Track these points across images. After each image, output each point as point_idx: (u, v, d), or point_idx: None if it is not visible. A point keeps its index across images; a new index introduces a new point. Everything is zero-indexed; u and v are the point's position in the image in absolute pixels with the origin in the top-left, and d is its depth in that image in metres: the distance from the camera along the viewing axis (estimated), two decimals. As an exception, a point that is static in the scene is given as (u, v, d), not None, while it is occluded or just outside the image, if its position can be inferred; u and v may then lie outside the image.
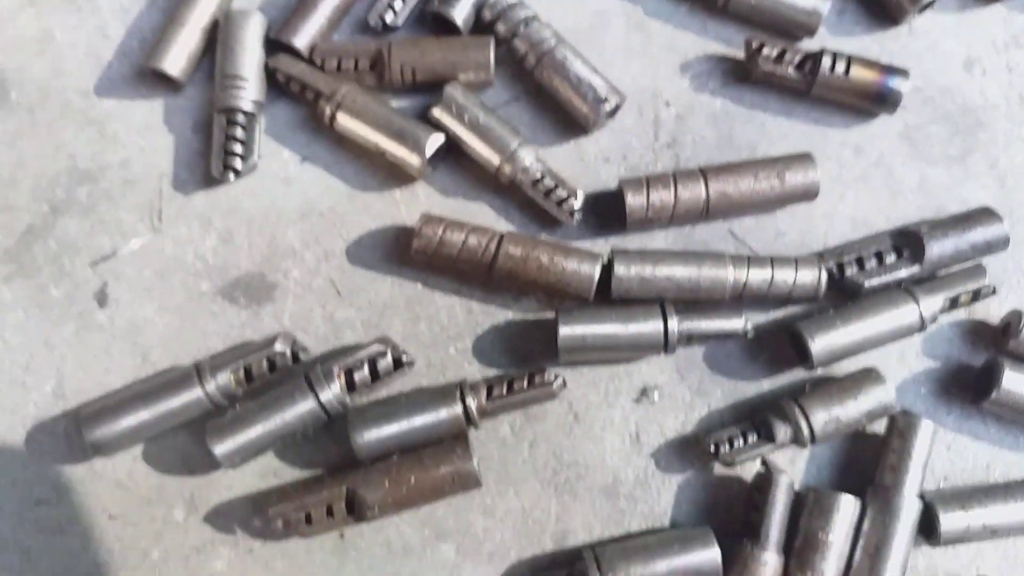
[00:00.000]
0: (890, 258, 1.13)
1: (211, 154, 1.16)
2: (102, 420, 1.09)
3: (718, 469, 1.14)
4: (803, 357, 1.12)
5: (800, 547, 1.06)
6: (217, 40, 1.18)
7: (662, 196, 1.11)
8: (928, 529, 1.09)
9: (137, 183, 1.19)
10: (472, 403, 1.08)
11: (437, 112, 1.14)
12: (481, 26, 1.18)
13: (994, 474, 1.15)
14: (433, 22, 1.19)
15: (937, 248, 1.11)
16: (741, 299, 1.11)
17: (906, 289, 1.11)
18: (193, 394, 1.09)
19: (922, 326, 1.10)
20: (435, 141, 1.13)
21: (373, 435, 1.08)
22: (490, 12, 1.16)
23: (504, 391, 1.10)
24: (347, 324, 1.16)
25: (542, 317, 1.17)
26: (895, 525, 1.05)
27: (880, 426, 1.13)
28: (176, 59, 1.17)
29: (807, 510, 1.07)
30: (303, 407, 1.08)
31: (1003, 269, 1.18)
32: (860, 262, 1.13)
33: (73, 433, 1.14)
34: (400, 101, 1.20)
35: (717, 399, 1.15)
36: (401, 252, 1.18)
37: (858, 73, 1.15)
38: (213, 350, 1.14)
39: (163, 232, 1.18)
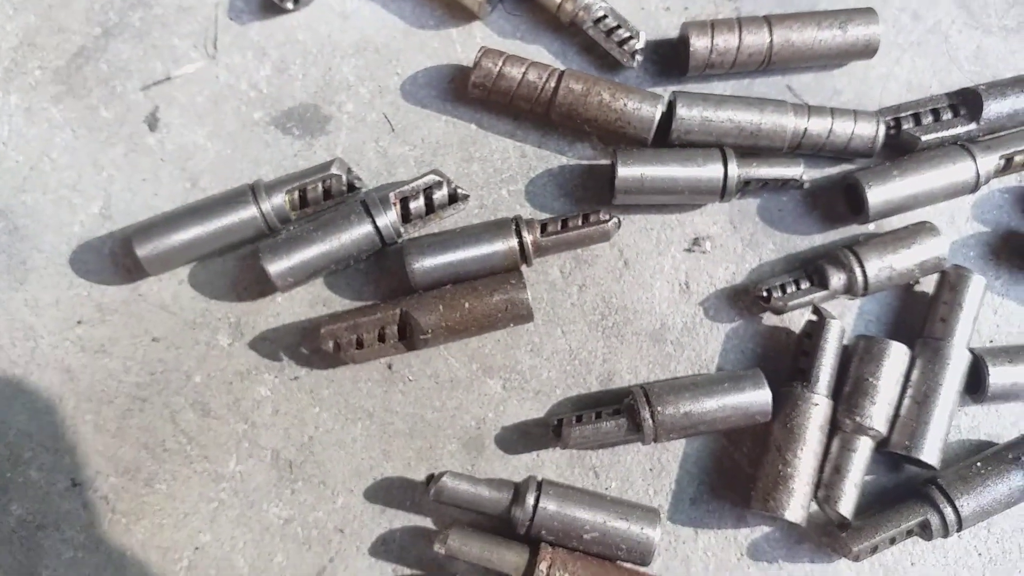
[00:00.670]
0: (947, 115, 1.13)
1: (271, -18, 1.14)
2: (155, 234, 1.08)
3: (767, 319, 1.14)
4: (857, 210, 1.12)
5: (850, 392, 1.06)
6: None
7: (726, 39, 1.11)
8: (975, 387, 1.09)
9: (192, 9, 1.18)
10: (527, 237, 1.08)
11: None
12: None
13: (1040, 339, 1.15)
14: None
15: (995, 107, 1.12)
16: (799, 148, 1.11)
17: (963, 145, 1.10)
18: (247, 212, 1.08)
19: (977, 184, 1.10)
20: (498, -22, 1.12)
21: (429, 262, 1.07)
22: None
23: (559, 228, 1.09)
24: (400, 160, 1.15)
25: (597, 163, 1.16)
26: (944, 374, 1.06)
27: (929, 287, 1.12)
28: None
29: (857, 356, 1.07)
30: (359, 231, 1.07)
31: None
32: (917, 118, 1.13)
33: (119, 254, 1.12)
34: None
35: (769, 251, 1.15)
36: (456, 91, 1.17)
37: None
38: (264, 179, 1.12)
39: (217, 60, 1.17)
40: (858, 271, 1.07)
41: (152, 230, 1.08)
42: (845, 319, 1.14)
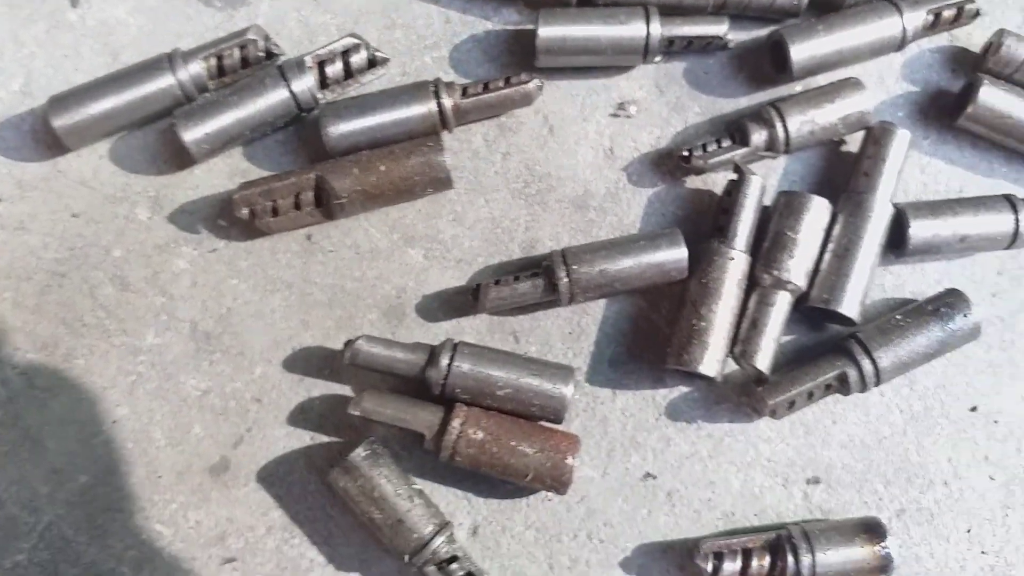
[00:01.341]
0: (874, -30, 1.10)
1: None
2: (71, 105, 1.07)
3: (691, 182, 1.12)
4: (782, 69, 1.10)
5: (769, 247, 1.05)
6: None
7: None
8: (897, 242, 1.07)
9: None
10: (447, 100, 1.06)
11: None
12: None
13: (967, 198, 1.14)
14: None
15: (921, -40, 1.09)
16: (724, 8, 1.10)
17: (890, 0, 1.08)
18: (164, 81, 1.07)
19: (904, 40, 1.09)
20: None
21: (345, 127, 1.06)
22: None
23: (480, 90, 1.07)
24: (322, 29, 1.14)
25: (523, 28, 1.15)
26: (865, 227, 1.04)
27: (856, 146, 1.11)
28: None
29: (777, 212, 1.06)
30: (275, 96, 1.06)
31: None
32: (843, -29, 1.11)
33: (40, 130, 1.11)
34: None
35: (695, 115, 1.14)
36: (376, -42, 1.14)
37: None
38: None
39: (134, -67, 1.14)
40: (779, 126, 1.05)
41: (68, 101, 1.07)
42: (770, 180, 1.12)
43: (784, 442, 1.09)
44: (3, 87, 1.12)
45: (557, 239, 1.10)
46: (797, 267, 1.02)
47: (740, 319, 1.04)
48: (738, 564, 1.01)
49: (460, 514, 1.06)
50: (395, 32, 1.13)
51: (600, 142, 1.12)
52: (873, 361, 1.01)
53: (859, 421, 1.09)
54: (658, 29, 1.06)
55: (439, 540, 0.97)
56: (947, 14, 1.09)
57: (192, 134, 1.04)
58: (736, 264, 1.02)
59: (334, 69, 1.07)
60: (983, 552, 1.08)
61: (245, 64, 1.08)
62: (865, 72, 1.13)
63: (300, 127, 1.10)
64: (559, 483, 0.99)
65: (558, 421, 1.01)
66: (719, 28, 1.07)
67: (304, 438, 1.06)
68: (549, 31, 1.06)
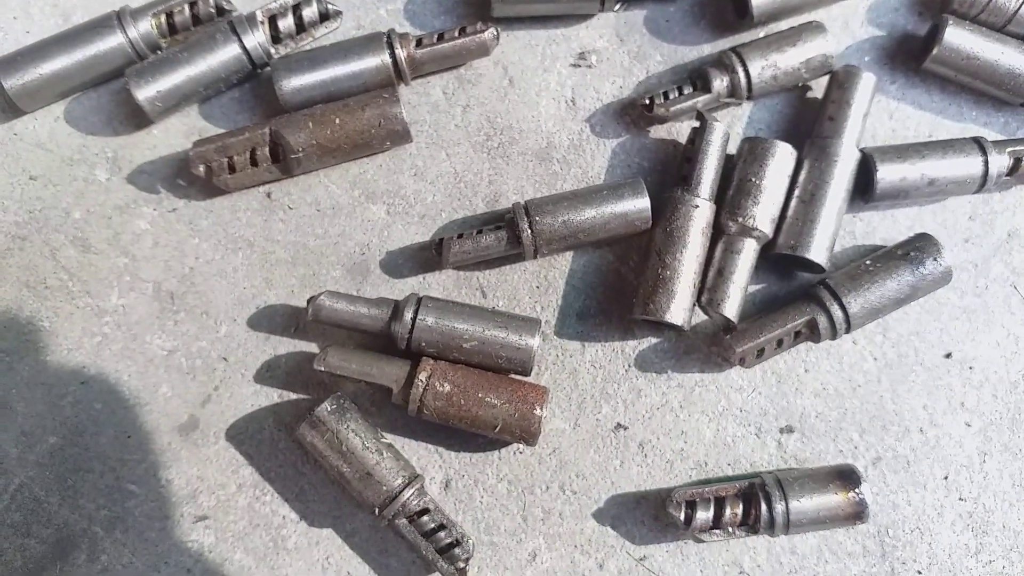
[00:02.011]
0: (836, -90, 1.08)
1: None
2: (21, 66, 1.05)
3: (654, 132, 1.11)
4: (744, 14, 1.08)
5: (733, 194, 1.03)
6: None
7: None
8: (865, 187, 1.06)
9: None
10: (401, 52, 1.05)
11: None
12: None
13: (935, 143, 1.12)
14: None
15: (886, -103, 1.07)
16: (682, -48, 1.07)
17: (852, -60, 1.06)
18: (114, 39, 1.05)
19: (867, -21, 1.06)
20: None
21: (297, 81, 1.04)
22: None
23: (434, 40, 1.06)
24: (275, -17, 1.11)
25: (480, -24, 1.12)
26: (831, 172, 1.03)
27: (821, 91, 1.09)
28: None
29: (741, 159, 1.05)
30: (227, 52, 1.05)
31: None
32: (806, -86, 1.09)
33: (-8, 93, 1.09)
34: None
35: (656, 63, 1.12)
36: (331, -88, 1.12)
37: None
38: (134, 9, 1.09)
39: None
40: (741, 72, 1.04)
41: (18, 61, 1.06)
42: (735, 129, 1.11)
43: (756, 391, 1.08)
44: (-48, 50, 1.10)
45: (521, 192, 1.09)
46: (762, 214, 1.01)
47: (707, 268, 1.02)
48: (711, 512, 1.01)
49: (432, 468, 1.05)
50: (350, -16, 1.11)
51: (562, 93, 1.11)
52: (843, 307, 1.00)
53: (832, 369, 1.08)
54: (613, -26, 1.03)
55: (409, 492, 0.97)
56: (912, -46, 1.06)
57: (145, 92, 1.03)
58: (700, 212, 1.01)
59: (286, 23, 1.06)
60: (961, 499, 1.08)
61: (196, 21, 1.06)
62: (830, 17, 1.11)
63: (256, 84, 1.09)
64: (528, 434, 0.98)
65: (526, 373, 1.00)
66: (678, -27, 1.05)
67: (272, 396, 1.06)
68: (504, -26, 1.04)
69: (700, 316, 1.05)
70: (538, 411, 0.97)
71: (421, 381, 0.98)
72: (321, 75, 1.03)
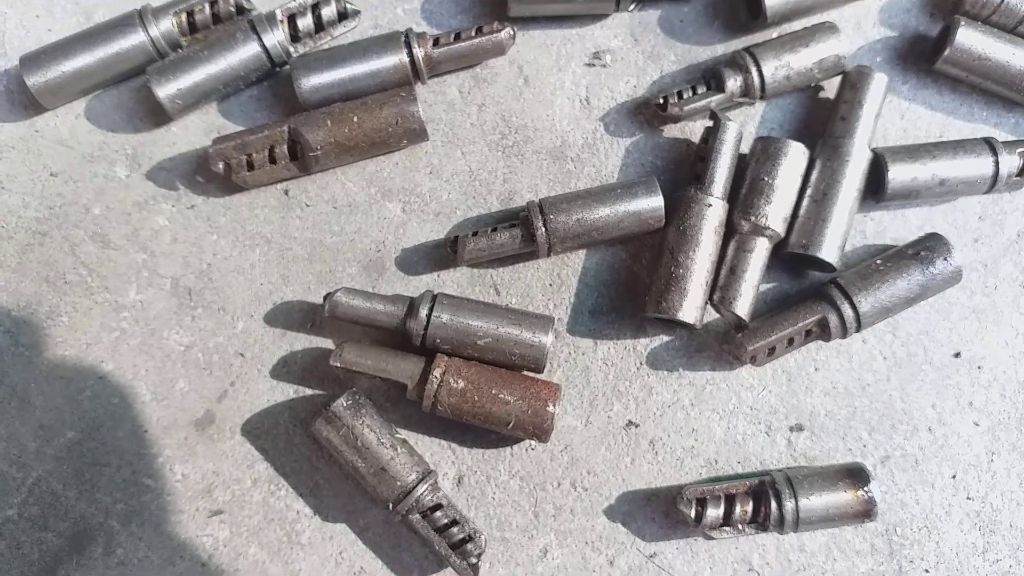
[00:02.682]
0: (850, -86, 1.09)
1: None
2: (44, 63, 1.06)
3: (668, 131, 1.12)
4: (757, 15, 1.09)
5: (746, 193, 1.04)
6: None
7: None
8: (876, 187, 1.06)
9: None
10: (418, 51, 1.06)
11: None
12: None
13: (947, 143, 1.13)
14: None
15: (898, -99, 1.07)
16: (696, -47, 1.08)
17: (865, -57, 1.07)
18: (136, 38, 1.07)
19: (880, -17, 1.07)
20: None
21: (316, 79, 1.06)
22: None
23: (451, 40, 1.07)
24: (293, -17, 1.13)
25: (496, -23, 1.13)
26: (843, 171, 1.04)
27: (833, 92, 1.10)
28: None
29: (754, 158, 1.05)
30: (246, 50, 1.06)
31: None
32: (820, -83, 1.10)
33: (15, 90, 1.11)
34: None
35: (670, 63, 1.13)
36: (349, -87, 1.13)
37: None
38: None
39: None
40: (754, 72, 1.05)
41: (41, 59, 1.07)
42: (748, 128, 1.11)
43: (767, 389, 1.09)
44: (-22, 48, 1.11)
45: (535, 190, 1.10)
46: (775, 213, 1.02)
47: (719, 267, 1.03)
48: (721, 510, 1.01)
49: (445, 464, 1.06)
50: (368, -16, 1.12)
51: (576, 92, 1.12)
52: (853, 306, 1.01)
53: (842, 368, 1.09)
54: (629, -25, 1.04)
55: (423, 488, 0.98)
56: (926, -45, 1.07)
57: (166, 90, 1.04)
58: (713, 211, 1.02)
59: (305, 22, 1.07)
60: (968, 498, 1.08)
61: (217, 20, 1.07)
62: (842, 18, 1.12)
63: (274, 82, 1.10)
64: (540, 431, 0.99)
65: (539, 370, 1.01)
66: (692, -26, 1.06)
67: (288, 391, 1.07)
68: (519, -24, 1.05)
69: (712, 314, 1.06)
70: (551, 408, 0.98)
71: (436, 377, 0.99)
72: (339, 74, 1.04)
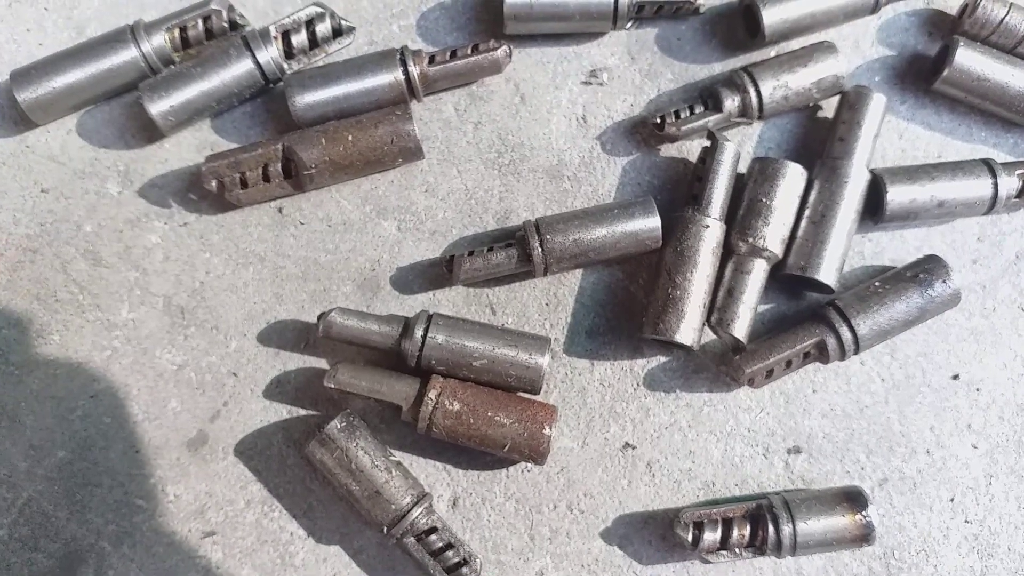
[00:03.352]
0: (848, -66, 1.09)
1: None
2: (34, 78, 1.05)
3: (665, 150, 1.11)
4: (755, 34, 1.08)
5: (743, 214, 1.03)
6: None
7: None
8: (875, 208, 1.06)
9: None
10: (414, 69, 1.05)
11: None
12: None
13: (945, 164, 1.13)
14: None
15: (897, -79, 1.07)
16: (693, -28, 1.07)
17: (862, -38, 1.07)
18: (128, 54, 1.05)
19: (877, 3, 1.07)
20: None
21: (311, 97, 1.05)
22: None
23: (447, 58, 1.06)
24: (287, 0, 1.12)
25: (492, -7, 1.13)
26: (841, 193, 1.03)
27: (832, 112, 1.09)
28: None
29: (751, 178, 1.05)
30: (240, 67, 1.05)
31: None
32: (817, -63, 1.09)
33: (5, 106, 1.10)
34: None
35: (667, 81, 1.12)
36: (344, -72, 1.13)
37: None
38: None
39: (98, -95, 1.13)
40: (752, 92, 1.04)
41: (32, 74, 1.06)
42: (746, 148, 1.11)
43: (764, 411, 1.08)
44: (-34, 59, 1.10)
45: (531, 209, 1.09)
46: (772, 234, 1.01)
47: (716, 288, 1.02)
48: (718, 533, 1.00)
49: (440, 486, 1.05)
50: (361, 1, 1.11)
51: (573, 110, 1.11)
52: (852, 328, 1.00)
53: (840, 390, 1.08)
54: (627, -9, 1.04)
55: (417, 511, 0.97)
56: (924, -25, 1.06)
57: (158, 107, 1.03)
58: (711, 232, 1.01)
59: (299, 39, 1.06)
60: (967, 521, 1.08)
61: (210, 35, 1.06)
62: (840, 37, 1.11)
63: (268, 99, 1.09)
64: (536, 453, 0.98)
65: (535, 391, 1.00)
66: (690, -10, 1.05)
67: (281, 412, 1.06)
68: (517, -4, 1.04)
69: (709, 336, 1.05)
70: (547, 431, 0.97)
71: (431, 399, 0.98)
72: (334, 91, 1.03)
